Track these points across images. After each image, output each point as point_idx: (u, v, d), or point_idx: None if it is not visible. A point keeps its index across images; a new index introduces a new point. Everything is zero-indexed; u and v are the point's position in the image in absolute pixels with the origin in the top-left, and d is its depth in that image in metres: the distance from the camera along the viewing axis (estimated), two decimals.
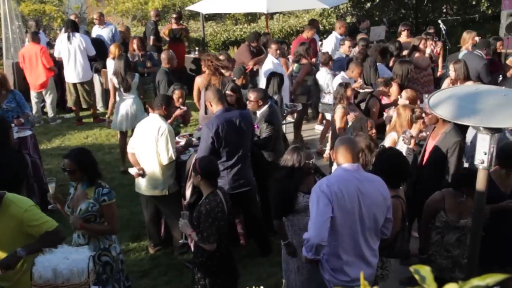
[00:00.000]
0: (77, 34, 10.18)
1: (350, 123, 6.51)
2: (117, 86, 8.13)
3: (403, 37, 10.43)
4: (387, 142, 5.82)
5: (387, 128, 6.71)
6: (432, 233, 4.75)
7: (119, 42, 10.50)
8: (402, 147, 5.90)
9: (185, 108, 6.87)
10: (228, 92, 6.73)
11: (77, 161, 4.33)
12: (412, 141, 5.65)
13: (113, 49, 9.17)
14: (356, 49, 9.70)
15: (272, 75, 7.89)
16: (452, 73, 7.61)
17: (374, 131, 5.84)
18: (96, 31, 11.94)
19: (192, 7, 13.19)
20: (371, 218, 3.80)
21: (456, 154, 5.29)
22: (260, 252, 6.10)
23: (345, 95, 6.72)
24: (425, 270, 0.89)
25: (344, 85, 6.86)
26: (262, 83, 8.71)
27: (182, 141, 6.43)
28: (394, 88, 7.56)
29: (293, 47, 10.63)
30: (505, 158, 4.64)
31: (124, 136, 8.32)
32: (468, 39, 9.62)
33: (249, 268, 5.84)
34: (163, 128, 5.66)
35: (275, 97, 7.56)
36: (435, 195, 4.76)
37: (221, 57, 7.98)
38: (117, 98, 8.26)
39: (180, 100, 6.89)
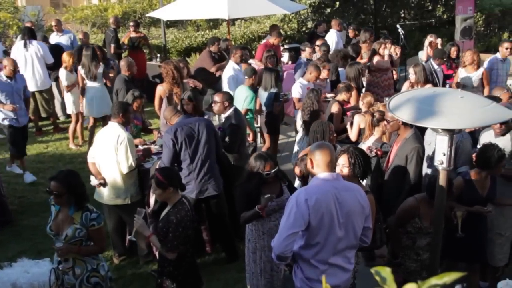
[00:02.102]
0: (34, 42, 9.95)
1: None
2: (84, 76, 8.87)
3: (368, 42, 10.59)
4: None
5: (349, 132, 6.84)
6: (403, 237, 4.80)
7: (76, 49, 10.36)
8: None
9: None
10: (184, 100, 6.70)
11: (66, 183, 4.06)
12: (374, 150, 5.75)
13: (66, 58, 9.03)
14: (318, 54, 9.81)
15: (268, 71, 8.28)
16: (412, 76, 7.78)
17: (334, 135, 5.93)
18: (54, 38, 11.70)
19: (152, 14, 13.08)
20: (348, 227, 3.74)
21: (414, 160, 5.30)
22: (227, 258, 6.07)
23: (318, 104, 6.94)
24: (386, 271, 0.89)
25: (316, 93, 6.98)
26: (225, 89, 8.70)
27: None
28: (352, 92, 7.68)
29: (258, 52, 10.67)
30: (484, 159, 4.77)
31: (95, 122, 9.18)
32: (426, 42, 9.89)
33: (216, 274, 5.80)
34: (122, 136, 5.60)
35: (273, 90, 8.03)
36: (410, 201, 4.76)
37: (181, 65, 7.96)
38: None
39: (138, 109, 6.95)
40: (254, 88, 8.07)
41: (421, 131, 5.53)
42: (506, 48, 8.87)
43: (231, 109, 6.39)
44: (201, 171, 5.65)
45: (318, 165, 3.73)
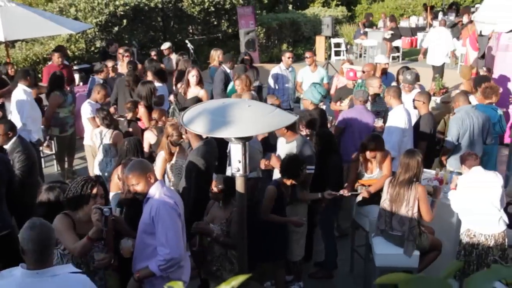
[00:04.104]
0: None
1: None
2: None
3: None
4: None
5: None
6: (214, 247, 4.90)
7: None
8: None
9: None
10: None
11: None
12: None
13: None
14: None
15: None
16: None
17: (146, 150, 5.93)
18: None
19: None
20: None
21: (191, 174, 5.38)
22: None
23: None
24: (178, 285, 0.90)
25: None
26: (15, 115, 7.93)
27: None
28: (142, 110, 7.44)
29: (44, 75, 10.02)
30: (292, 172, 5.14)
31: None
32: (215, 56, 10.38)
33: None
34: None
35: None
36: (210, 204, 5.08)
37: None
38: None
39: None
40: None
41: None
42: (289, 58, 9.68)
43: (15, 137, 5.85)
44: None
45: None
